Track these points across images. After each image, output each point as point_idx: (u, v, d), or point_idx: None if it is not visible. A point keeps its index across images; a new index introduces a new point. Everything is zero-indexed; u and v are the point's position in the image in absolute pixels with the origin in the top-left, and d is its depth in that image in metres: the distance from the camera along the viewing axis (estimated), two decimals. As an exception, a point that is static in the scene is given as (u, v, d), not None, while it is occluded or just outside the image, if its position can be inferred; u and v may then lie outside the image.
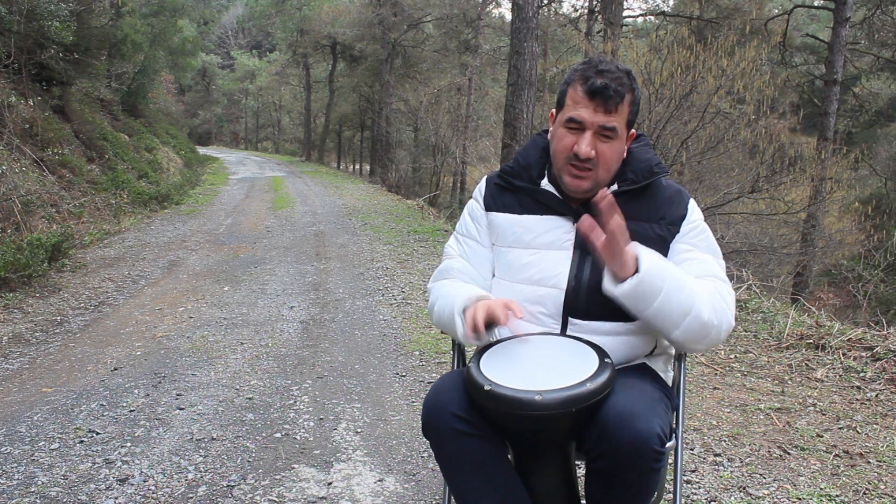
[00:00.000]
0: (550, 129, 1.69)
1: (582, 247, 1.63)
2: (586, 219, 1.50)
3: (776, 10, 17.95)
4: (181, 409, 3.16)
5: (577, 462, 1.60)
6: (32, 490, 2.40)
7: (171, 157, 17.80)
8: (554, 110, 1.66)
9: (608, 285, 1.51)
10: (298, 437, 2.88)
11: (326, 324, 4.75)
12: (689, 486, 2.45)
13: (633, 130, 1.64)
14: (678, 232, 1.63)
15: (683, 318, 1.48)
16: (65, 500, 2.34)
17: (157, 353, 4.02)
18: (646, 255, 1.49)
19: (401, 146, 25.74)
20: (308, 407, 3.22)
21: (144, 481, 2.48)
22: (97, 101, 14.22)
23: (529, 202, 1.69)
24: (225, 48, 50.35)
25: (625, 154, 1.65)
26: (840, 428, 2.99)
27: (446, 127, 20.23)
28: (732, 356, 4.03)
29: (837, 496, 2.38)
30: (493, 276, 1.75)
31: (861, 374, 3.62)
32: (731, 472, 2.57)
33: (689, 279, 1.51)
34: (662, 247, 1.62)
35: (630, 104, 1.57)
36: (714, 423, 3.04)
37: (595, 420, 1.38)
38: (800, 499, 2.37)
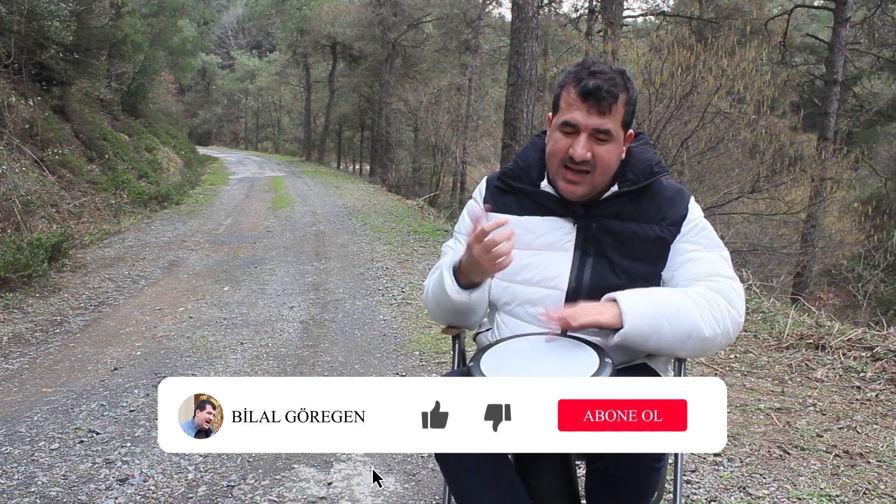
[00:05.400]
0: (548, 132, 1.68)
1: (582, 248, 1.63)
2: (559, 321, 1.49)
3: (776, 10, 17.95)
4: (181, 409, 3.16)
5: (577, 462, 1.60)
6: (32, 490, 2.40)
7: (171, 157, 17.80)
8: (550, 114, 1.65)
9: (602, 338, 1.52)
10: (298, 437, 2.88)
11: (326, 324, 4.75)
12: (689, 486, 2.45)
13: (630, 131, 1.62)
14: (678, 232, 1.62)
15: (684, 342, 1.48)
16: (65, 500, 2.34)
17: (157, 353, 4.02)
18: (627, 306, 1.46)
19: (401, 146, 25.73)
20: (308, 407, 3.22)
21: (144, 481, 2.48)
22: (97, 101, 14.21)
23: (529, 203, 1.69)
24: (225, 48, 50.32)
25: (623, 155, 1.63)
26: (840, 428, 2.99)
27: (446, 127, 20.21)
28: (732, 356, 4.03)
29: (837, 496, 2.38)
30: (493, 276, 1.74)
31: (861, 374, 3.62)
32: (731, 472, 2.57)
33: (681, 303, 1.49)
34: (663, 247, 1.62)
35: (625, 104, 1.54)
36: (714, 423, 3.03)
37: (595, 420, 1.38)
38: (800, 499, 2.37)
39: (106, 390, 3.39)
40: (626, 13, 16.25)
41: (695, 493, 2.41)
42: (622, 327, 1.45)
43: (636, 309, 1.46)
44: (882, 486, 2.46)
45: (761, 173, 9.17)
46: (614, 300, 1.50)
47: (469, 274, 1.54)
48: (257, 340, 4.30)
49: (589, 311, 1.47)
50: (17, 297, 5.18)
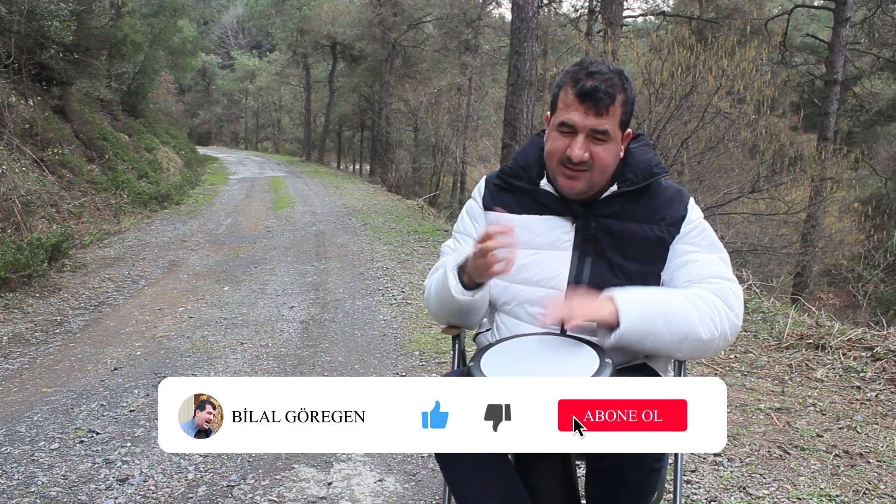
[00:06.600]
0: (546, 131, 1.68)
1: (581, 247, 1.63)
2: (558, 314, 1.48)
3: (776, 10, 17.95)
4: (181, 409, 3.16)
5: (577, 462, 1.60)
6: (32, 490, 2.40)
7: (171, 157, 17.80)
8: (549, 113, 1.65)
9: (599, 337, 1.51)
10: (298, 437, 2.88)
11: (326, 324, 4.75)
12: (689, 486, 2.45)
13: (628, 130, 1.62)
14: (678, 233, 1.62)
15: (681, 344, 1.47)
16: (65, 500, 2.34)
17: (157, 353, 4.02)
18: (624, 305, 1.45)
19: (401, 146, 25.72)
20: (308, 407, 3.22)
21: (144, 481, 2.48)
22: (97, 101, 14.22)
23: (528, 202, 1.69)
24: (225, 48, 50.31)
25: (621, 154, 1.63)
26: (840, 428, 2.99)
27: (446, 127, 20.20)
28: (732, 356, 4.03)
29: (837, 496, 2.38)
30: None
31: (861, 374, 3.62)
32: (731, 472, 2.57)
33: (679, 304, 1.48)
34: (661, 248, 1.62)
35: (622, 105, 1.54)
36: (714, 423, 3.03)
37: (595, 420, 1.38)
38: (800, 499, 2.37)
39: (106, 390, 3.39)
40: (626, 13, 16.24)
41: (695, 493, 2.41)
42: (618, 326, 1.45)
43: (633, 308, 1.45)
44: (882, 486, 2.46)
45: (761, 173, 9.18)
46: (612, 298, 1.49)
47: (472, 275, 1.54)
48: (257, 340, 4.30)
49: (585, 310, 1.45)
50: (17, 297, 5.19)
